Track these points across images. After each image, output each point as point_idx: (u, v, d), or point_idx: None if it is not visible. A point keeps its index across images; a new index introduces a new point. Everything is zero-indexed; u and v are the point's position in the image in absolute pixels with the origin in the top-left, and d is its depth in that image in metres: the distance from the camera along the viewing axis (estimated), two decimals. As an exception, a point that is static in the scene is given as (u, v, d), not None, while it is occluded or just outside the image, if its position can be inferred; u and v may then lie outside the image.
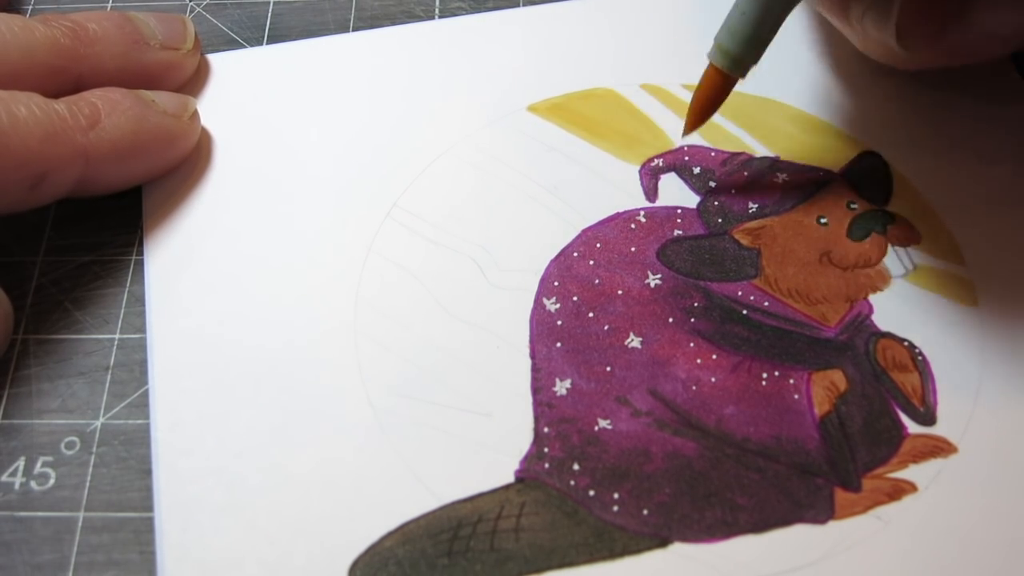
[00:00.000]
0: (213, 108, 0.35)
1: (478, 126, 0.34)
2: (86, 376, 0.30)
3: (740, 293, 0.31)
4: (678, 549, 0.27)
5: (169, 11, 0.38)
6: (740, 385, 0.29)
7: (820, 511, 0.27)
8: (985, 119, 0.34)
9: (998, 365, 0.29)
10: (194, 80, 0.36)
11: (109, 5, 0.39)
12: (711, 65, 0.30)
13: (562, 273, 0.31)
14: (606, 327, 0.30)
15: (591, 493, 0.28)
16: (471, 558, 0.27)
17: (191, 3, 0.39)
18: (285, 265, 0.32)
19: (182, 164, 0.34)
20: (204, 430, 0.29)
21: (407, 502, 0.28)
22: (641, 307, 0.31)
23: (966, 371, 0.29)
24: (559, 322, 0.30)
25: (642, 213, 0.32)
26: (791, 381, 0.29)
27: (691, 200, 0.33)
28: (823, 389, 0.29)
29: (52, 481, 0.29)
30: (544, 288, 0.31)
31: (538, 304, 0.31)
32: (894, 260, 0.31)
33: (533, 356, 0.30)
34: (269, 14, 0.38)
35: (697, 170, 0.33)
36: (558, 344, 0.30)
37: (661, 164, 0.33)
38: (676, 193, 0.33)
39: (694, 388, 0.29)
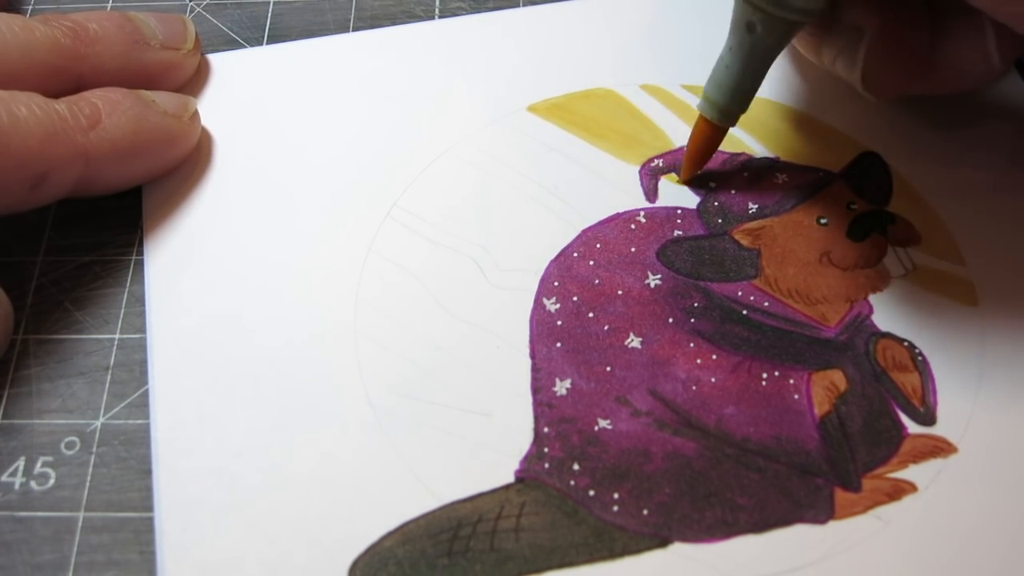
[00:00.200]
0: (213, 108, 0.35)
1: (478, 126, 0.34)
2: (86, 376, 0.30)
3: (740, 293, 0.31)
4: (678, 549, 0.27)
5: (169, 11, 0.38)
6: (740, 385, 0.29)
7: (820, 511, 0.27)
8: (985, 119, 0.34)
9: (998, 365, 0.29)
10: (194, 80, 0.36)
11: (109, 5, 0.39)
12: (701, 116, 0.32)
13: (562, 273, 0.31)
14: (606, 327, 0.30)
15: (591, 493, 0.28)
16: (471, 558, 0.27)
17: (191, 3, 0.39)
18: (285, 265, 0.32)
19: (182, 164, 0.34)
20: (204, 430, 0.29)
21: (407, 502, 0.28)
22: (641, 307, 0.31)
23: (966, 371, 0.29)
24: (559, 322, 0.30)
25: (642, 213, 0.32)
26: (791, 381, 0.29)
27: (691, 200, 0.33)
28: (823, 389, 0.29)
29: (52, 481, 0.29)
30: (544, 288, 0.31)
31: (538, 304, 0.31)
32: (894, 260, 0.31)
33: (533, 356, 0.30)
34: (269, 14, 0.38)
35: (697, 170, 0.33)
36: (558, 344, 0.30)
37: (661, 164, 0.33)
38: (676, 193, 0.33)
39: (694, 388, 0.29)
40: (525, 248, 0.32)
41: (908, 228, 0.32)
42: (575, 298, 0.31)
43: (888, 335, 0.30)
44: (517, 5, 0.38)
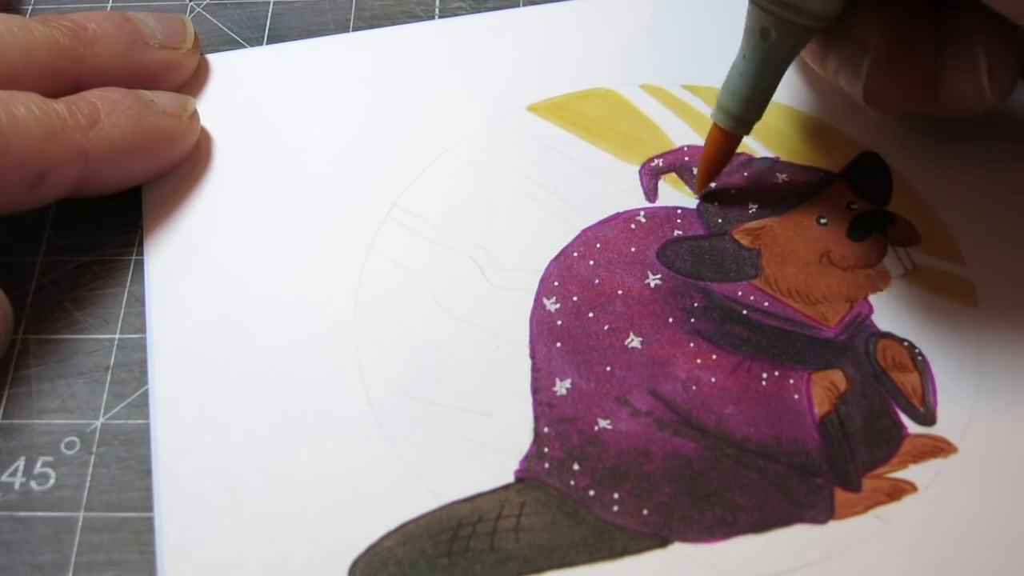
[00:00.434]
0: (213, 108, 0.35)
1: (478, 126, 0.34)
2: (86, 376, 0.30)
3: (740, 293, 0.31)
4: (678, 549, 0.27)
5: (169, 11, 0.38)
6: (740, 385, 0.29)
7: (820, 511, 0.27)
8: (985, 119, 0.34)
9: (998, 365, 0.29)
10: (194, 80, 0.36)
11: (109, 5, 0.39)
12: (715, 125, 0.31)
13: (562, 273, 0.31)
14: (606, 327, 0.30)
15: (591, 493, 0.28)
16: (471, 558, 0.27)
17: (191, 3, 0.38)
18: (285, 265, 0.32)
19: (182, 164, 0.34)
20: (204, 430, 0.29)
21: (407, 502, 0.28)
22: (641, 307, 0.31)
23: (966, 371, 0.29)
24: (559, 322, 0.30)
25: (642, 213, 0.32)
26: (791, 381, 0.29)
27: (691, 200, 0.33)
28: (823, 389, 0.29)
29: (52, 481, 0.29)
30: (544, 288, 0.31)
31: (538, 304, 0.31)
32: (894, 260, 0.31)
33: (533, 356, 0.30)
34: (269, 14, 0.38)
35: (697, 170, 0.33)
36: (558, 344, 0.30)
37: (661, 164, 0.33)
38: (676, 193, 0.33)
39: (694, 388, 0.29)
40: (525, 248, 0.32)
41: (908, 228, 0.32)
42: (575, 298, 0.31)
43: (888, 335, 0.30)
44: (517, 5, 0.38)
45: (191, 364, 0.30)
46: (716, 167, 0.32)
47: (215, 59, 0.36)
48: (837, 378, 0.29)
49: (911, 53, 0.29)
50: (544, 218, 0.32)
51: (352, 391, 0.29)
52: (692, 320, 0.30)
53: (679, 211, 0.33)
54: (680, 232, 0.32)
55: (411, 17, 0.38)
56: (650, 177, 0.33)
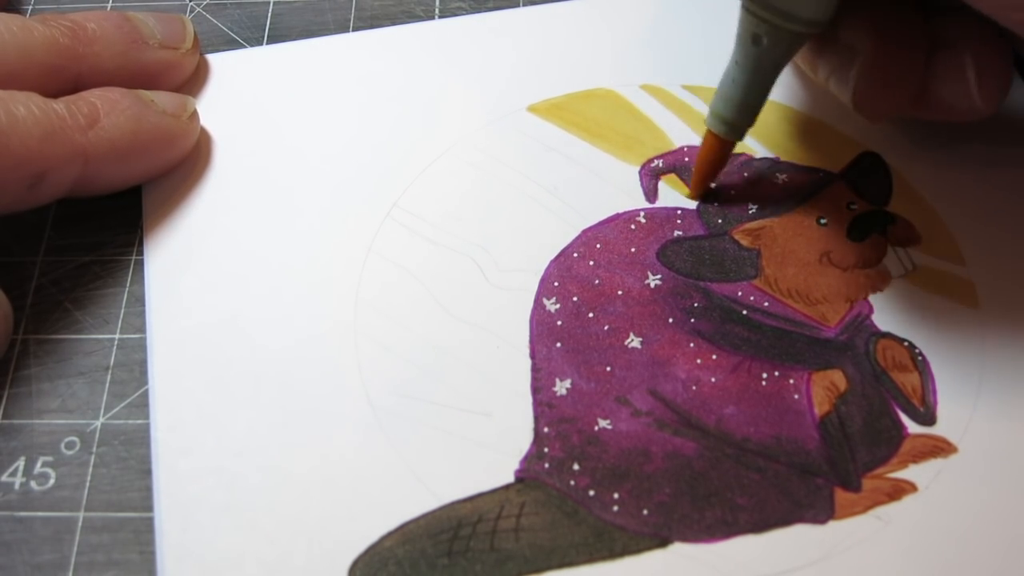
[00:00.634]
0: (213, 108, 0.35)
1: (478, 126, 0.34)
2: (86, 376, 0.30)
3: (740, 293, 0.31)
4: (678, 549, 0.27)
5: (169, 11, 0.38)
6: (740, 385, 0.29)
7: (820, 511, 0.27)
8: (986, 120, 0.34)
9: (998, 365, 0.29)
10: (193, 80, 0.36)
11: (109, 5, 0.39)
12: (709, 131, 0.31)
13: (562, 273, 0.31)
14: (606, 327, 0.30)
15: (591, 493, 0.28)
16: (471, 558, 0.27)
17: (191, 3, 0.38)
18: (285, 265, 0.32)
19: (182, 164, 0.34)
20: (204, 430, 0.29)
21: (407, 502, 0.28)
22: (641, 307, 0.31)
23: (966, 371, 0.29)
24: (559, 322, 0.30)
25: (642, 214, 0.32)
26: (791, 381, 0.29)
27: (691, 201, 0.33)
28: (823, 389, 0.29)
29: (52, 481, 0.29)
30: (544, 288, 0.31)
31: (538, 304, 0.31)
32: (894, 260, 0.31)
33: (533, 356, 0.30)
34: (269, 14, 0.38)
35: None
36: (558, 344, 0.30)
37: (661, 165, 0.33)
38: (676, 194, 0.33)
39: (694, 388, 0.29)
40: (525, 248, 0.32)
41: (908, 228, 0.32)
42: (575, 298, 0.31)
43: (888, 335, 0.30)
44: (517, 5, 0.38)
45: (191, 364, 0.30)
46: (711, 172, 0.32)
47: (215, 59, 0.36)
48: (837, 378, 0.29)
49: (899, 59, 0.29)
50: (544, 218, 0.32)
51: (352, 391, 0.29)
52: (692, 320, 0.30)
53: (679, 211, 0.33)
54: (680, 232, 0.32)
55: (411, 17, 0.38)
56: (650, 178, 0.33)
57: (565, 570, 0.27)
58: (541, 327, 0.30)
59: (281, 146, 0.34)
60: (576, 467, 0.28)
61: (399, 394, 0.29)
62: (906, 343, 0.30)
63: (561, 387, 0.29)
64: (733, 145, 0.32)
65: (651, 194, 0.33)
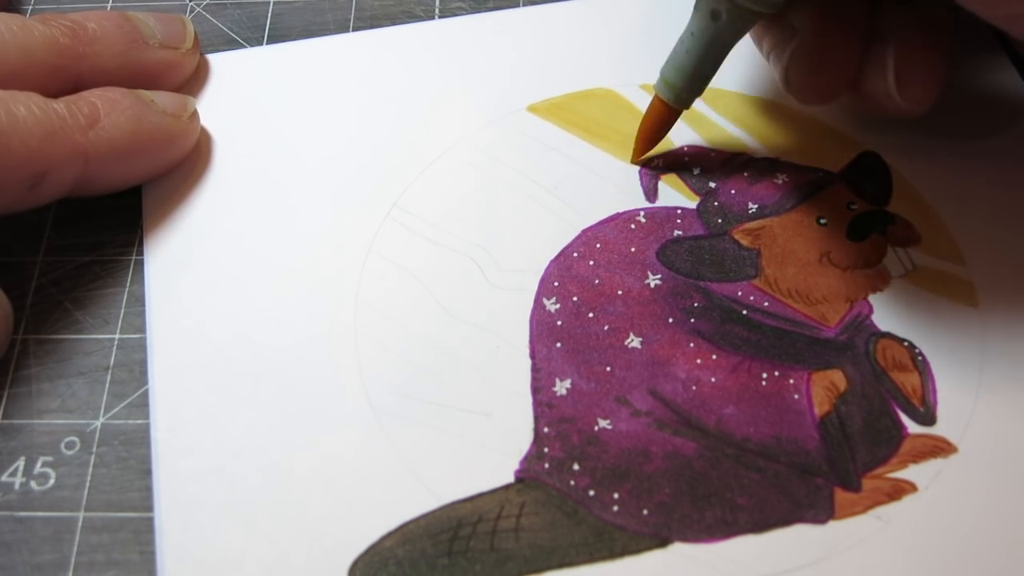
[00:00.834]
0: (213, 108, 0.35)
1: (478, 126, 0.34)
2: (86, 376, 0.30)
3: (740, 293, 0.31)
4: (678, 549, 0.27)
5: (169, 11, 0.38)
6: (740, 385, 0.29)
7: (820, 511, 0.27)
8: (986, 119, 0.34)
9: (998, 365, 0.29)
10: (194, 80, 0.36)
11: (109, 5, 0.39)
12: (657, 97, 0.32)
13: (562, 273, 0.31)
14: (606, 327, 0.30)
15: (591, 493, 0.28)
16: (471, 558, 0.27)
17: (191, 3, 0.38)
18: (285, 265, 0.32)
19: (182, 164, 0.34)
20: (204, 430, 0.29)
21: (407, 502, 0.28)
22: (641, 307, 0.31)
23: (966, 371, 0.29)
24: (559, 322, 0.30)
25: (642, 213, 0.32)
26: (791, 381, 0.29)
27: (691, 200, 0.33)
28: (823, 389, 0.29)
29: (52, 481, 0.29)
30: (544, 288, 0.31)
31: (538, 304, 0.31)
32: (894, 260, 0.31)
33: (533, 356, 0.30)
34: (269, 14, 0.38)
35: (697, 170, 0.33)
36: (558, 344, 0.30)
37: (661, 164, 0.33)
38: (676, 193, 0.33)
39: (694, 388, 0.29)
40: (525, 248, 0.32)
41: (908, 228, 0.32)
42: (575, 298, 0.31)
43: (888, 335, 0.30)
44: (517, 5, 0.38)
45: (191, 364, 0.30)
46: (654, 137, 0.33)
47: (215, 59, 0.36)
48: (837, 378, 0.29)
49: (834, 44, 0.30)
50: (544, 218, 0.32)
51: (352, 391, 0.29)
52: (692, 320, 0.30)
53: (679, 211, 0.33)
54: (680, 232, 0.32)
55: (411, 17, 0.38)
56: (650, 177, 0.33)
57: (565, 570, 0.27)
58: (541, 327, 0.30)
59: (281, 146, 0.34)
60: (576, 467, 0.28)
61: (399, 394, 0.29)
62: (906, 343, 0.30)
63: (561, 387, 0.29)
64: (678, 114, 0.32)
65: (651, 194, 0.33)
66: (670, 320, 0.30)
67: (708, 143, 0.34)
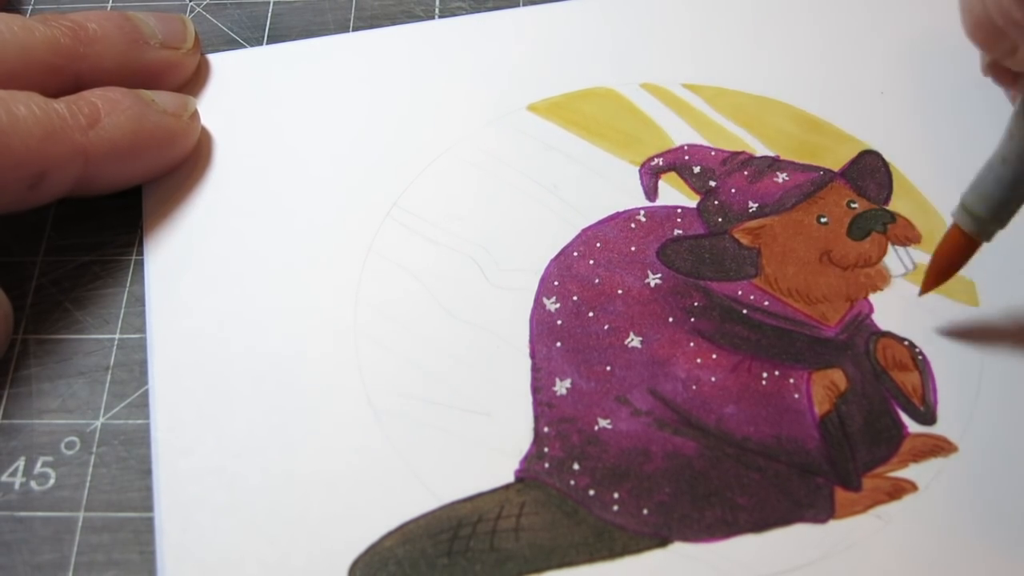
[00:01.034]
0: (213, 108, 0.35)
1: (478, 126, 0.34)
2: (86, 376, 0.30)
3: (740, 292, 0.31)
4: (678, 548, 0.27)
5: (169, 11, 0.38)
6: (740, 385, 0.29)
7: (820, 510, 0.27)
8: (987, 118, 0.34)
9: (998, 364, 0.29)
10: (194, 80, 0.36)
11: (109, 5, 0.39)
12: (956, 226, 0.28)
13: (562, 273, 0.31)
14: (606, 326, 0.30)
15: (591, 493, 0.28)
16: (471, 558, 0.27)
17: (191, 3, 0.38)
18: (285, 265, 0.32)
19: (182, 164, 0.34)
20: (204, 430, 0.29)
21: (407, 502, 0.28)
22: (641, 306, 0.31)
23: (966, 371, 0.29)
24: (559, 322, 0.30)
25: (642, 212, 0.32)
26: (791, 380, 0.29)
27: (691, 199, 0.33)
28: (823, 388, 0.29)
29: (52, 481, 0.29)
30: (544, 288, 0.31)
31: (538, 304, 0.31)
32: (894, 259, 0.31)
33: (533, 356, 0.30)
34: (269, 14, 0.38)
35: (697, 169, 0.33)
36: (558, 344, 0.30)
37: (661, 163, 0.33)
38: (676, 192, 0.33)
39: (694, 388, 0.29)
40: (525, 247, 0.32)
41: (908, 227, 0.32)
42: (575, 297, 0.31)
43: (888, 334, 0.30)
44: (517, 5, 0.37)
45: (191, 364, 0.30)
46: (950, 270, 0.29)
47: (215, 59, 0.36)
48: (837, 377, 0.29)
49: None
50: (544, 217, 0.32)
51: (352, 391, 0.29)
52: (692, 319, 0.30)
53: (679, 210, 0.32)
54: (680, 231, 0.32)
55: (411, 17, 0.38)
56: (650, 176, 0.33)
57: (565, 570, 0.27)
58: (541, 326, 0.30)
59: (281, 146, 0.34)
60: (576, 467, 0.28)
61: (399, 394, 0.29)
62: (906, 342, 0.30)
63: (561, 387, 0.29)
64: (978, 245, 0.28)
65: (651, 193, 0.33)
66: (670, 319, 0.30)
67: (708, 142, 0.34)
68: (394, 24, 0.37)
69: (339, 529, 0.27)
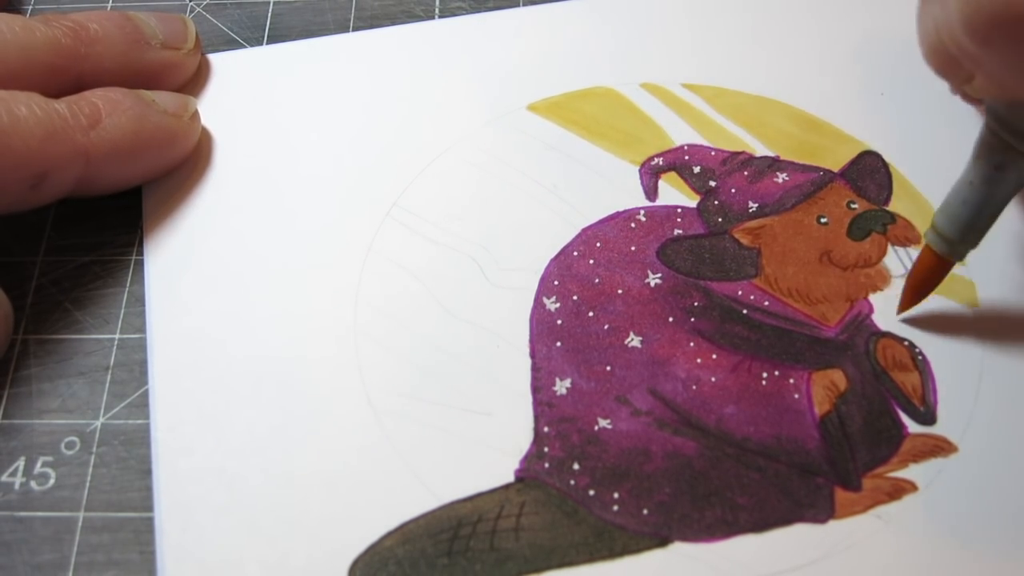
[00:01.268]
0: (213, 108, 0.35)
1: (478, 125, 0.34)
2: (86, 376, 0.30)
3: (740, 292, 0.31)
4: (678, 548, 0.27)
5: (169, 11, 0.38)
6: (740, 385, 0.29)
7: (820, 510, 0.27)
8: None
9: (998, 365, 0.29)
10: (194, 80, 0.36)
11: (109, 5, 0.39)
12: (927, 247, 0.29)
13: (562, 272, 0.31)
14: (606, 326, 0.30)
15: (591, 493, 0.28)
16: (471, 558, 0.27)
17: (191, 3, 0.39)
18: (285, 265, 0.32)
19: (182, 164, 0.34)
20: (204, 430, 0.29)
21: (407, 502, 0.28)
22: (641, 306, 0.31)
23: (966, 371, 0.29)
24: (559, 321, 0.30)
25: (642, 212, 0.32)
26: (791, 381, 0.29)
27: (691, 199, 0.33)
28: (823, 388, 0.29)
29: (52, 481, 0.29)
30: (544, 287, 0.31)
31: (538, 303, 0.31)
32: (894, 260, 0.31)
33: (533, 355, 0.30)
34: (269, 14, 0.38)
35: (697, 169, 0.33)
36: (558, 343, 0.30)
37: (661, 163, 0.33)
38: (676, 192, 0.33)
39: (694, 387, 0.29)
40: (525, 247, 0.32)
41: (908, 228, 0.32)
42: (575, 297, 0.31)
43: (888, 334, 0.30)
44: (517, 5, 0.37)
45: (191, 364, 0.30)
46: (924, 290, 0.30)
47: (215, 59, 0.36)
48: (837, 377, 0.29)
49: None
50: (544, 217, 0.32)
51: (352, 391, 0.29)
52: (692, 319, 0.30)
53: (679, 210, 0.32)
54: (680, 231, 0.32)
55: (411, 17, 0.38)
56: (650, 176, 0.33)
57: (565, 570, 0.27)
58: (541, 326, 0.30)
59: (281, 146, 0.34)
60: (576, 467, 0.28)
61: (399, 394, 0.29)
62: (906, 342, 0.30)
63: (561, 386, 0.29)
64: (951, 265, 0.29)
65: (651, 192, 0.33)
66: (670, 319, 0.30)
67: (708, 142, 0.34)
68: (394, 24, 0.37)
69: (339, 529, 0.27)
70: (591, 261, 0.32)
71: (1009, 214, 0.32)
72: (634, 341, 0.30)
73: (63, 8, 0.39)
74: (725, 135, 0.34)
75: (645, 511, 0.27)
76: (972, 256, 0.31)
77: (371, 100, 0.35)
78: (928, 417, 0.28)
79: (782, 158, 0.33)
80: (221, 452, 0.29)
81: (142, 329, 0.31)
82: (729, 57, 0.35)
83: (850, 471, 0.28)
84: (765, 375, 0.29)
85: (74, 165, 0.30)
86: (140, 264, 0.32)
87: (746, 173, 0.33)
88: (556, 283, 0.31)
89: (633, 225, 0.32)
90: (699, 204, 0.33)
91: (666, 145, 0.34)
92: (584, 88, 0.35)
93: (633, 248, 0.32)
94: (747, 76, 0.35)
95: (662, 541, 0.27)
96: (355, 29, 0.37)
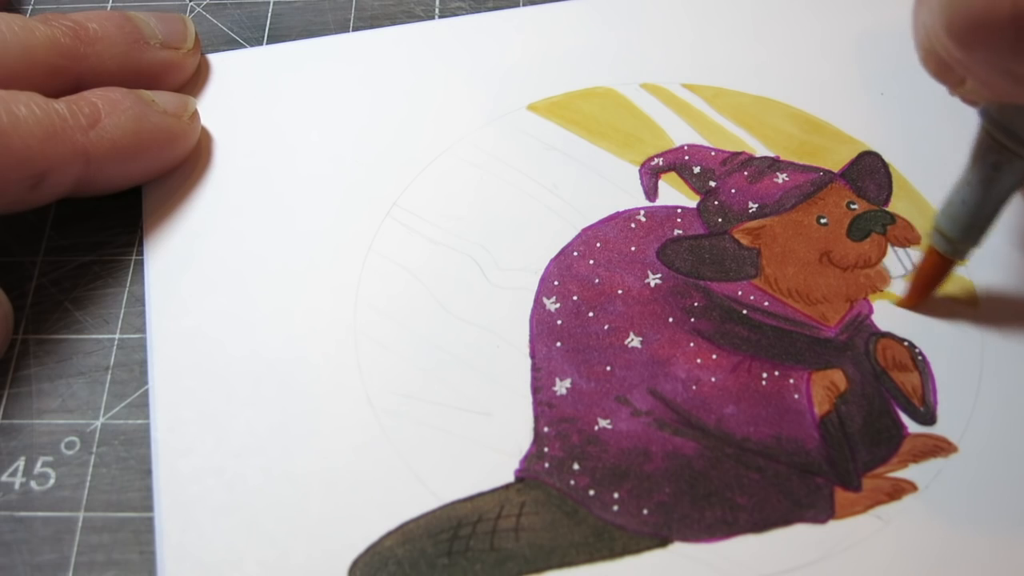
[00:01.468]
0: (213, 108, 0.35)
1: (478, 125, 0.34)
2: (86, 376, 0.30)
3: (740, 293, 0.31)
4: (678, 548, 0.27)
5: (169, 11, 0.38)
6: (740, 385, 0.29)
7: (820, 511, 0.27)
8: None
9: (998, 365, 0.29)
10: (194, 80, 0.36)
11: (109, 5, 0.39)
12: (931, 248, 0.30)
13: (562, 272, 0.31)
14: (606, 326, 0.30)
15: (591, 493, 0.28)
16: (471, 558, 0.27)
17: (191, 3, 0.38)
18: (285, 265, 0.32)
19: (182, 164, 0.34)
20: (204, 430, 0.29)
21: (407, 502, 0.28)
22: (641, 306, 0.31)
23: (966, 371, 0.29)
24: (559, 321, 0.30)
25: (642, 212, 0.32)
26: (791, 381, 0.29)
27: (691, 199, 0.33)
28: (823, 389, 0.29)
29: (52, 481, 0.29)
30: (544, 287, 0.31)
31: (538, 303, 0.31)
32: (894, 260, 0.31)
33: (533, 356, 0.30)
34: (269, 14, 0.38)
35: (697, 169, 0.33)
36: (558, 343, 0.30)
37: (661, 163, 0.33)
38: (676, 192, 0.33)
39: (694, 388, 0.29)
40: (525, 247, 0.32)
41: (908, 228, 0.32)
42: (575, 297, 0.31)
43: (888, 335, 0.30)
44: (517, 5, 0.37)
45: (191, 364, 0.30)
46: (928, 288, 0.30)
47: (215, 59, 0.36)
48: (837, 378, 0.29)
49: None
50: (544, 217, 0.32)
51: (352, 391, 0.29)
52: (692, 320, 0.30)
53: (679, 210, 0.32)
54: (680, 231, 0.32)
55: (411, 17, 0.38)
56: (650, 176, 0.33)
57: (565, 570, 0.27)
58: (541, 326, 0.30)
59: (281, 146, 0.34)
60: (576, 467, 0.28)
61: (399, 394, 0.29)
62: (906, 343, 0.30)
63: (561, 387, 0.29)
64: (954, 264, 0.30)
65: (651, 192, 0.33)
66: (670, 319, 0.30)
67: (708, 142, 0.34)
68: (394, 24, 0.37)
69: (339, 529, 0.27)
70: (591, 261, 0.32)
71: (1010, 214, 0.32)
72: (634, 341, 0.30)
73: (63, 8, 0.39)
74: (725, 135, 0.34)
75: (645, 511, 0.27)
76: (972, 256, 0.31)
77: (371, 100, 0.35)
78: (928, 417, 0.28)
79: (782, 158, 0.33)
80: (221, 452, 0.29)
81: (142, 329, 0.31)
82: (729, 57, 0.35)
83: (850, 471, 0.28)
84: (765, 375, 0.29)
85: (74, 165, 0.30)
86: (140, 264, 0.32)
87: (746, 173, 0.33)
88: (556, 283, 0.31)
89: (633, 225, 0.32)
90: (699, 204, 0.33)
91: (666, 145, 0.34)
92: (584, 88, 0.35)
93: (633, 248, 0.32)
94: (747, 76, 0.35)
95: (662, 541, 0.27)
96: (355, 29, 0.37)
